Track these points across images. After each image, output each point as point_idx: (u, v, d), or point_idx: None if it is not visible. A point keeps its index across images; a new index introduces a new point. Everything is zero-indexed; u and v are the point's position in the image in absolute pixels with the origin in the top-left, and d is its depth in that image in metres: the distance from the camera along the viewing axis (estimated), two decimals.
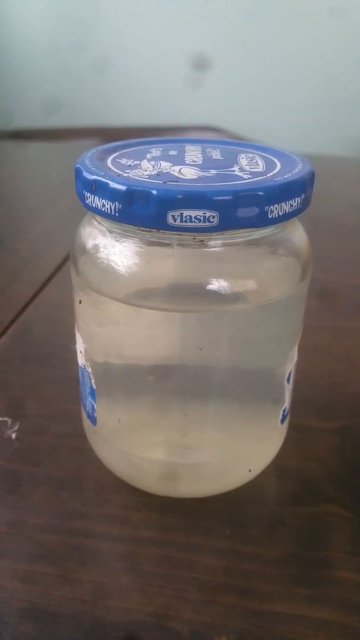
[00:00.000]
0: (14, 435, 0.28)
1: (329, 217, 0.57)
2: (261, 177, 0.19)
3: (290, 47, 1.37)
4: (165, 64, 1.42)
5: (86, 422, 0.25)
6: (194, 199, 0.17)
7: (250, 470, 0.24)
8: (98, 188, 0.18)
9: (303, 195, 0.19)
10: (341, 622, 0.20)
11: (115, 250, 0.20)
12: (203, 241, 0.18)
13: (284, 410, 0.24)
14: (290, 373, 0.23)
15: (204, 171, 0.19)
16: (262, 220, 0.18)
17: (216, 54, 1.38)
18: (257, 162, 0.20)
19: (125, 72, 1.46)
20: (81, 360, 0.23)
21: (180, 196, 0.17)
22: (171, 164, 0.20)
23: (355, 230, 0.56)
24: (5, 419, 0.29)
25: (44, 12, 1.46)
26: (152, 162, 0.20)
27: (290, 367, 0.22)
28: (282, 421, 0.24)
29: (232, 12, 1.36)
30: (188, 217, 0.17)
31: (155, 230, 0.18)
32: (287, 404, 0.24)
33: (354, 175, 0.76)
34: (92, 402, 0.23)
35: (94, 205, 0.19)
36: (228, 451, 0.23)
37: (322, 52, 1.36)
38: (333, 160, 0.78)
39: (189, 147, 0.22)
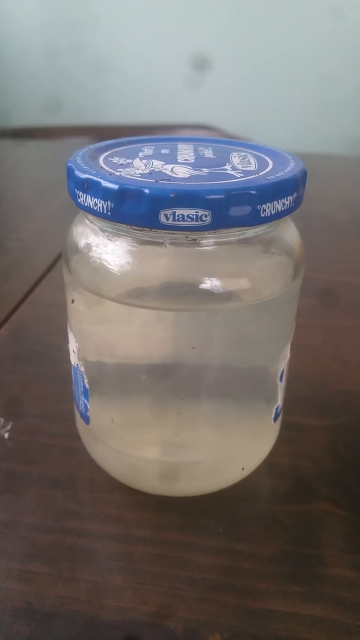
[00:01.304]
0: (6, 435, 0.28)
1: (321, 215, 0.57)
2: (253, 176, 0.19)
3: (287, 46, 1.37)
4: (163, 63, 1.42)
5: (79, 422, 0.25)
6: (187, 197, 0.17)
7: (243, 469, 0.24)
8: (90, 187, 0.18)
9: (295, 194, 0.19)
10: (335, 619, 0.20)
11: (108, 249, 0.20)
12: (196, 240, 0.18)
13: (276, 409, 0.24)
14: (283, 371, 0.23)
15: (196, 170, 0.19)
16: (255, 219, 0.18)
17: (214, 54, 1.38)
18: (249, 160, 0.20)
19: (124, 71, 1.46)
20: (74, 359, 0.23)
21: (172, 195, 0.17)
22: (163, 163, 0.20)
23: (347, 228, 0.56)
24: None
25: (42, 11, 1.45)
26: (144, 161, 0.20)
27: (283, 365, 0.23)
28: (275, 419, 0.24)
29: (229, 11, 1.36)
30: (180, 216, 0.17)
31: (147, 229, 0.18)
32: (280, 402, 0.24)
33: (346, 173, 0.76)
34: (85, 401, 0.23)
35: (86, 204, 0.19)
36: (221, 450, 0.23)
37: (319, 52, 1.36)
38: (325, 159, 0.78)
39: (181, 146, 0.22)
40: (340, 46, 1.35)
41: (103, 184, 0.18)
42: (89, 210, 0.19)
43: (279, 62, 1.39)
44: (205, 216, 0.17)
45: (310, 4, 1.33)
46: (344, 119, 1.37)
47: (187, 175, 0.19)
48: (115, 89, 1.48)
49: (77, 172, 0.19)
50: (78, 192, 0.19)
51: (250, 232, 0.19)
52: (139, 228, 0.18)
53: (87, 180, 0.18)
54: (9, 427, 0.28)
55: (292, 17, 1.34)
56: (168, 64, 1.42)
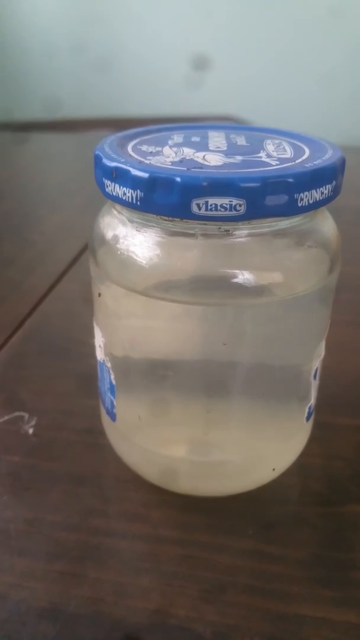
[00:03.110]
0: (31, 431, 0.27)
1: (352, 208, 0.55)
2: (290, 164, 0.18)
3: (291, 43, 1.36)
4: (168, 61, 1.42)
5: (105, 418, 0.24)
6: (220, 186, 0.16)
7: (274, 469, 0.23)
8: (119, 175, 0.17)
9: (334, 183, 0.18)
10: None
11: (136, 241, 0.19)
12: (228, 231, 0.18)
13: (309, 408, 0.23)
14: (317, 369, 0.22)
15: (229, 157, 0.18)
16: (292, 209, 0.17)
17: (214, 52, 1.37)
18: (284, 148, 0.20)
19: (128, 69, 1.46)
20: (100, 354, 0.22)
21: (205, 183, 0.16)
22: (194, 151, 0.19)
23: None
24: (22, 413, 0.28)
25: (45, 10, 1.46)
26: (175, 149, 0.19)
27: (317, 363, 0.22)
28: (308, 419, 0.23)
29: (234, 9, 1.35)
30: (213, 206, 0.16)
31: (178, 220, 0.17)
32: (312, 401, 0.23)
33: None
34: (112, 397, 0.22)
35: (114, 194, 0.18)
36: (251, 449, 0.22)
37: (320, 50, 1.35)
38: (354, 151, 0.76)
39: (212, 133, 0.22)
40: (339, 45, 1.33)
41: (132, 173, 0.17)
42: (117, 200, 0.18)
43: (288, 59, 1.38)
44: (240, 205, 0.16)
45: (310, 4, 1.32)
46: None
47: (220, 163, 0.18)
48: (116, 87, 1.48)
49: (105, 160, 0.18)
50: (106, 181, 0.18)
51: (286, 222, 0.18)
52: (169, 218, 0.17)
53: (116, 168, 0.17)
54: (33, 423, 0.28)
55: (292, 13, 1.33)
56: (170, 61, 1.42)
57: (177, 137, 0.21)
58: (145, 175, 0.17)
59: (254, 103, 1.36)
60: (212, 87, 1.39)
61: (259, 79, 1.41)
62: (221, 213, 0.16)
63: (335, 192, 0.18)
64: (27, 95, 1.48)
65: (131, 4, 1.41)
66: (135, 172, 0.17)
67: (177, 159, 0.18)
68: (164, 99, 1.36)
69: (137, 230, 0.19)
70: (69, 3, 1.45)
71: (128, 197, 0.17)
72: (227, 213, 0.16)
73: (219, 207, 0.16)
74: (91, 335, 0.23)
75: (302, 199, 0.17)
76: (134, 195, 0.17)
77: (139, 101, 1.35)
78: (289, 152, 0.19)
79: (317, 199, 0.17)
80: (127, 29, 1.43)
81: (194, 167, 0.17)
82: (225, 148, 0.19)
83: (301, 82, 1.38)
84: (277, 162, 0.18)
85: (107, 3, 1.42)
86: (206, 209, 0.16)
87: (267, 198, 0.16)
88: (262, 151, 0.19)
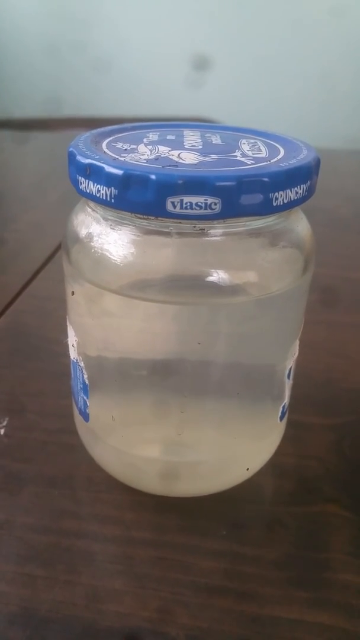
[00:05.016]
0: (2, 431, 0.27)
1: (323, 210, 0.56)
2: (265, 163, 0.18)
3: (289, 44, 1.37)
4: (164, 61, 1.42)
5: (78, 419, 0.24)
6: (196, 184, 0.16)
7: (248, 469, 0.23)
8: (93, 172, 0.17)
9: (309, 182, 0.18)
10: (343, 627, 0.19)
11: (110, 239, 0.19)
12: (203, 230, 0.17)
13: (283, 407, 0.23)
14: (291, 369, 0.22)
15: (205, 156, 0.18)
16: (267, 208, 0.17)
17: (214, 52, 1.37)
18: (259, 147, 0.20)
19: (126, 70, 1.45)
20: (73, 354, 0.22)
21: (180, 181, 0.16)
22: (170, 149, 0.19)
23: (350, 223, 0.55)
24: None
25: (44, 9, 1.44)
26: (150, 147, 0.19)
27: (291, 362, 0.22)
28: (282, 418, 0.23)
29: (230, 9, 1.35)
30: (188, 204, 0.16)
31: (153, 218, 0.17)
32: (286, 400, 0.23)
33: (347, 168, 0.75)
34: (85, 397, 0.22)
35: (88, 191, 0.18)
36: (226, 449, 0.22)
37: (319, 49, 1.36)
38: (326, 153, 0.77)
39: (187, 132, 0.21)
40: (339, 43, 1.34)
41: (106, 169, 0.17)
42: (91, 197, 0.18)
43: (283, 60, 1.39)
44: (215, 204, 0.16)
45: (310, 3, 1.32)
46: (344, 115, 1.37)
47: (195, 162, 0.18)
48: (116, 87, 1.47)
49: (79, 157, 0.18)
50: (80, 178, 0.18)
51: (261, 222, 0.18)
52: (144, 216, 0.17)
53: (90, 165, 0.17)
54: (4, 423, 0.27)
55: (293, 14, 1.34)
56: (169, 61, 1.41)
57: (153, 135, 0.21)
58: (119, 172, 0.16)
59: (253, 104, 1.37)
60: (211, 88, 1.39)
61: (259, 80, 1.41)
62: (196, 211, 0.16)
63: (310, 192, 0.18)
64: (26, 96, 1.46)
65: (131, 4, 1.40)
66: (110, 169, 0.17)
67: (152, 157, 0.18)
68: (162, 101, 1.36)
69: (111, 228, 0.19)
70: (67, 3, 1.44)
71: (102, 194, 0.17)
72: (202, 211, 0.16)
73: (194, 206, 0.16)
74: (65, 334, 0.23)
75: (277, 199, 0.17)
76: (108, 193, 0.17)
77: (137, 102, 1.35)
78: (264, 152, 0.19)
79: (292, 199, 0.17)
80: (127, 30, 1.42)
81: (169, 165, 0.17)
82: (200, 147, 0.19)
83: (301, 83, 1.38)
84: (253, 162, 0.18)
85: (106, 3, 1.40)
86: (181, 207, 0.16)
87: (242, 197, 0.16)
88: (237, 150, 0.19)
